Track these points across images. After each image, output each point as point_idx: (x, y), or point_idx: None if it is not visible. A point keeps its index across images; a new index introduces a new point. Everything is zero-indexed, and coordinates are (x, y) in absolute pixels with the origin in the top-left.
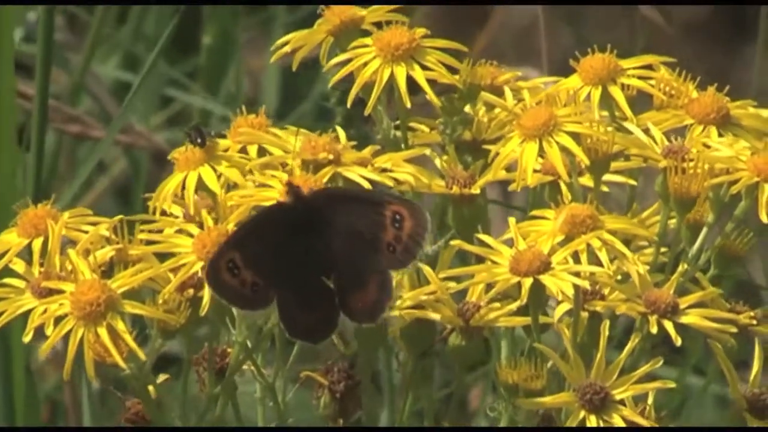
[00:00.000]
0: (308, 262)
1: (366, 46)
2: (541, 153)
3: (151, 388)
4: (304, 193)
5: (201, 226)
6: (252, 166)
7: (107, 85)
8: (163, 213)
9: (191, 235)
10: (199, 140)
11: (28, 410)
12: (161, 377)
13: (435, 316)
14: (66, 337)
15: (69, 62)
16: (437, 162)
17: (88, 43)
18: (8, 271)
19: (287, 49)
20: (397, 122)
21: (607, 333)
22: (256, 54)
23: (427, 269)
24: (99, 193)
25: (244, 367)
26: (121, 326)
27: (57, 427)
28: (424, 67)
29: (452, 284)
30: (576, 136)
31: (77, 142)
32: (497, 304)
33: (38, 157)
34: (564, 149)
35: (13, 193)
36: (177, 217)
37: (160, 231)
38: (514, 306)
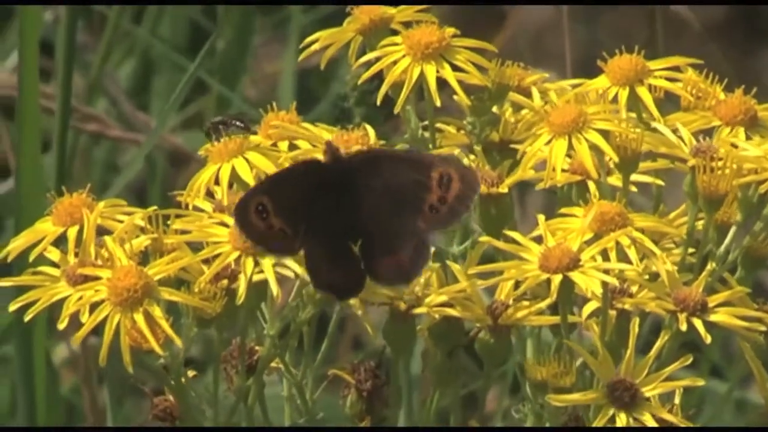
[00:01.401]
0: (339, 221)
1: (395, 44)
2: (569, 151)
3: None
4: (342, 154)
5: None
6: (285, 159)
7: (123, 86)
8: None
9: (226, 225)
10: (241, 125)
11: (50, 409)
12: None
13: (464, 314)
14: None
15: (85, 63)
16: (465, 162)
17: (104, 44)
18: (43, 260)
19: (316, 47)
20: (425, 122)
21: (636, 330)
22: (271, 56)
23: (455, 267)
24: (115, 194)
25: (272, 364)
26: (157, 312)
27: (76, 427)
28: (454, 66)
29: (481, 282)
30: (605, 134)
31: (93, 143)
32: (526, 303)
33: (60, 156)
34: (593, 146)
35: (40, 192)
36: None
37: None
38: (543, 304)
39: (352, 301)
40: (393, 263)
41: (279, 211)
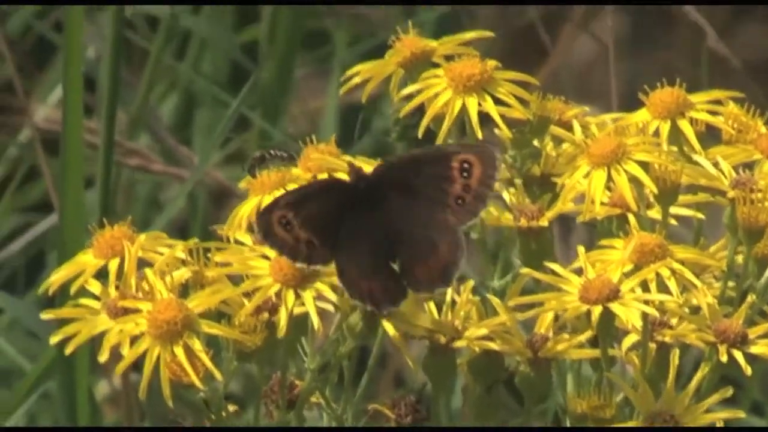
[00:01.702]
0: (369, 231)
1: (437, 77)
2: (609, 184)
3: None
4: (365, 173)
5: None
6: None
7: (165, 121)
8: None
9: (267, 258)
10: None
11: None
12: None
13: (504, 348)
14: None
15: (126, 98)
16: (505, 195)
17: (146, 79)
18: (84, 292)
19: (357, 80)
20: None
21: (676, 363)
22: (313, 91)
23: (495, 300)
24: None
25: (312, 399)
26: (197, 346)
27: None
28: (496, 99)
29: (520, 314)
30: (645, 165)
31: (135, 178)
32: (566, 336)
33: (104, 192)
34: (632, 178)
35: (82, 228)
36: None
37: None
38: (582, 338)
39: (392, 334)
40: (428, 266)
41: (305, 223)
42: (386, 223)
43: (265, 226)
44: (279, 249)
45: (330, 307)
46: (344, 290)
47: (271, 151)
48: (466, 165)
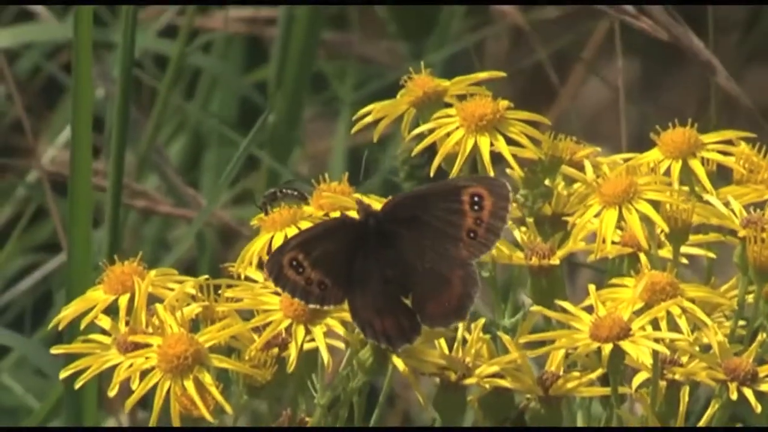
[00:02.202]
0: (381, 269)
1: (449, 116)
2: (620, 223)
3: None
4: (374, 209)
5: None
6: None
7: (173, 161)
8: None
9: (278, 294)
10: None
11: None
12: None
13: (515, 385)
14: (144, 404)
15: (134, 138)
16: (516, 234)
17: (154, 119)
18: (94, 328)
19: (369, 119)
20: None
21: (686, 400)
22: (321, 132)
23: (506, 338)
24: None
25: None
26: (208, 380)
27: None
28: (508, 139)
29: (531, 352)
30: (656, 204)
31: (143, 219)
32: (576, 374)
33: (112, 233)
34: (644, 217)
35: (90, 268)
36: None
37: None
38: (593, 375)
39: (402, 369)
40: (441, 301)
41: (316, 264)
42: (397, 259)
43: (276, 269)
44: (291, 291)
45: (340, 344)
46: (358, 329)
47: (284, 189)
48: (476, 198)
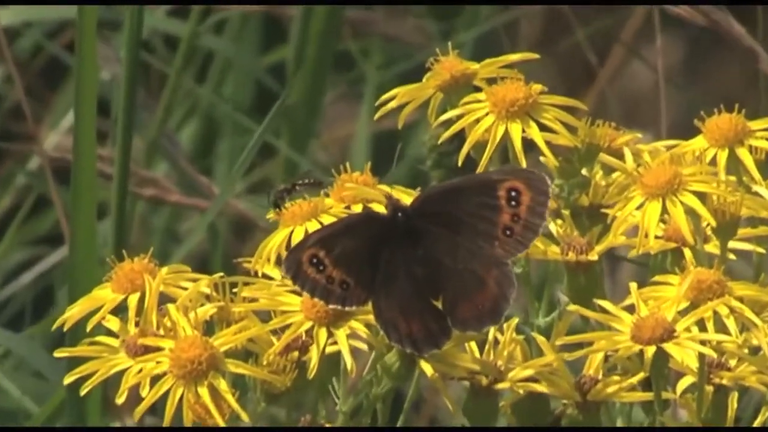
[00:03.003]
0: (410, 268)
1: (479, 101)
2: (663, 216)
3: None
4: (403, 204)
5: None
6: None
7: (184, 148)
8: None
9: (298, 294)
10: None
11: None
12: None
13: (551, 390)
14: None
15: (143, 124)
16: (552, 227)
17: (164, 104)
18: (100, 330)
19: (393, 105)
20: None
21: (734, 407)
22: (343, 117)
23: (540, 339)
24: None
25: None
26: (223, 386)
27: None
28: (541, 126)
29: (568, 354)
30: (702, 196)
31: (151, 209)
32: (616, 378)
33: (118, 225)
34: (689, 210)
35: (94, 262)
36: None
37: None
38: (634, 380)
39: (430, 374)
40: (475, 303)
41: (338, 262)
42: (427, 258)
43: (295, 266)
44: (310, 291)
45: (364, 346)
46: (383, 333)
47: (299, 183)
48: (513, 193)
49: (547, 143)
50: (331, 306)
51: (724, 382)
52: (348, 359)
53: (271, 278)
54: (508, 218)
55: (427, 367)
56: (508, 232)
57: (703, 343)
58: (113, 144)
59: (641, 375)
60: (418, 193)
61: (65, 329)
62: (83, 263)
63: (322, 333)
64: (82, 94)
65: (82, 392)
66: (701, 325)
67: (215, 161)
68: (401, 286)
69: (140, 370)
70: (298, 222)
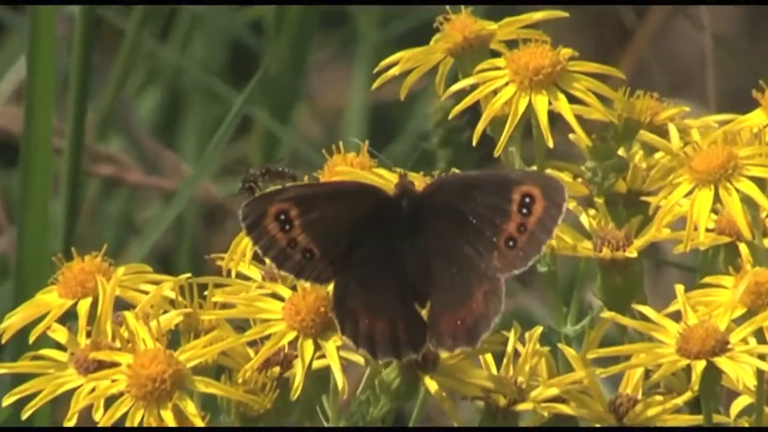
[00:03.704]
0: (392, 258)
1: (497, 68)
2: (715, 205)
3: None
4: (412, 188)
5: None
6: None
7: (145, 120)
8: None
9: (281, 299)
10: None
11: None
12: None
13: (580, 413)
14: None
15: (95, 89)
16: (583, 218)
17: (120, 66)
18: (46, 341)
19: (395, 71)
20: (533, 167)
21: None
22: (333, 83)
23: (569, 351)
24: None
25: None
26: (191, 408)
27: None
28: (571, 97)
29: (601, 370)
30: (761, 183)
31: (106, 192)
32: (659, 398)
33: (70, 209)
34: (746, 199)
35: (45, 252)
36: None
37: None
38: (680, 400)
39: (435, 391)
40: (455, 318)
41: (309, 226)
42: (416, 251)
43: (255, 216)
44: (264, 249)
45: (359, 359)
46: (336, 322)
47: (279, 168)
48: (527, 199)
49: (578, 118)
50: (282, 272)
51: None
52: (339, 376)
53: (248, 278)
54: (514, 227)
55: (431, 384)
56: (510, 243)
57: (762, 357)
58: (64, 114)
59: (688, 395)
60: (432, 180)
61: (3, 340)
62: (34, 259)
63: (308, 345)
64: (37, 54)
65: (24, 415)
66: (760, 336)
67: (182, 136)
68: (379, 275)
69: (93, 390)
70: None
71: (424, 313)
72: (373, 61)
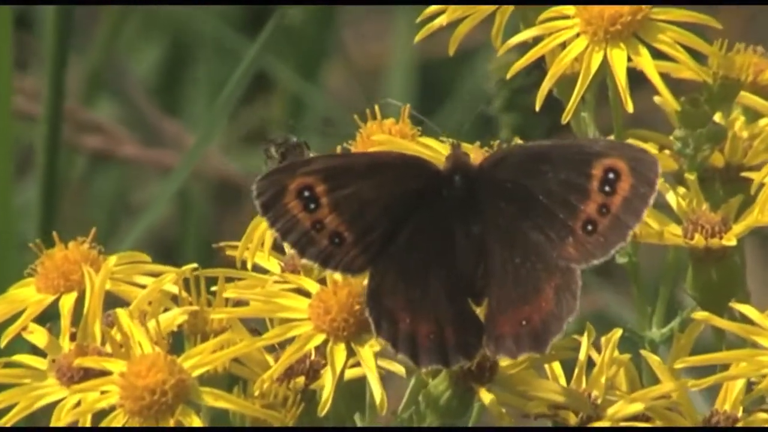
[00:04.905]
0: (443, 246)
1: (565, 17)
2: None
3: None
4: (466, 161)
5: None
6: None
7: (143, 81)
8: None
9: (307, 295)
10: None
11: None
12: None
13: None
14: None
15: (81, 44)
16: (671, 198)
17: (111, 16)
18: (22, 344)
19: (442, 21)
20: (610, 138)
21: None
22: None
23: (654, 359)
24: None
25: None
26: (196, 424)
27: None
28: (655, 52)
29: (693, 382)
30: None
31: (96, 166)
32: (763, 415)
33: (47, 187)
34: None
35: (11, 240)
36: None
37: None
38: None
39: (489, 404)
40: (519, 317)
41: (339, 206)
42: (475, 237)
43: (273, 192)
44: (282, 232)
45: (400, 369)
46: (370, 320)
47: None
48: (611, 175)
49: (665, 77)
50: (304, 261)
51: None
52: (377, 388)
53: (265, 271)
54: (594, 208)
55: (487, 398)
56: (589, 227)
57: None
58: (40, 74)
59: None
60: (493, 151)
61: None
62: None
63: (340, 350)
64: None
65: None
66: None
67: (186, 98)
68: (423, 265)
69: (78, 404)
70: None
71: (479, 312)
72: (417, 11)
